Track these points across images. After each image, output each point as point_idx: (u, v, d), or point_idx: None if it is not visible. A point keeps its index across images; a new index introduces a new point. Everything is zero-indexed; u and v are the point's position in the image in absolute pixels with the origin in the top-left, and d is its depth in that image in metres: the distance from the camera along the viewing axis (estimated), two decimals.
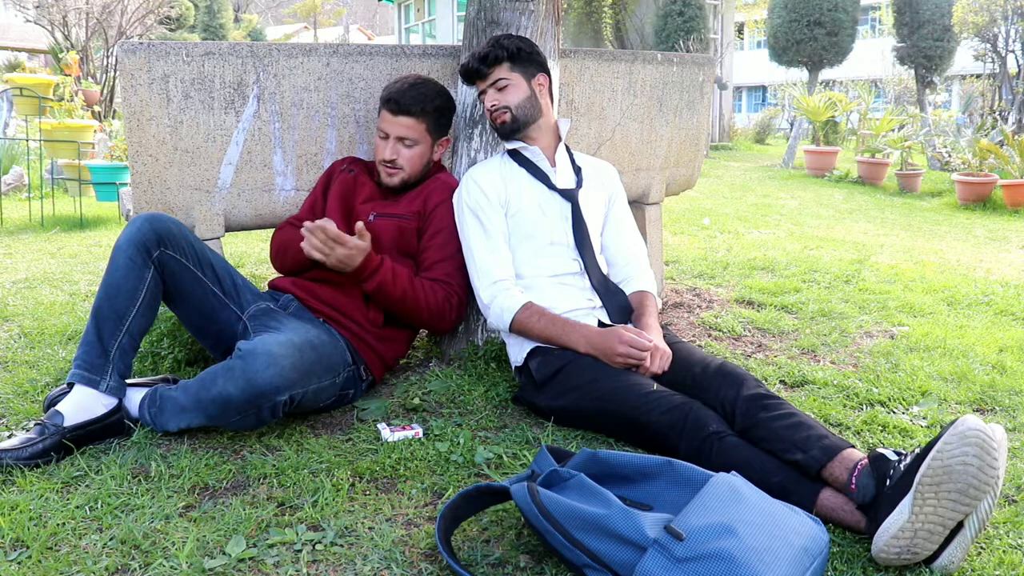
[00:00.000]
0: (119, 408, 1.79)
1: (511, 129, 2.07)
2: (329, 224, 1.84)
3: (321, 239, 1.84)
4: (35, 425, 1.71)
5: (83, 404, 1.74)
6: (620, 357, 1.85)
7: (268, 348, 1.68)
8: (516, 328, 1.98)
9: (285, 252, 2.17)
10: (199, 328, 2.02)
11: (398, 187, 2.15)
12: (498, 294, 2.00)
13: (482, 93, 2.10)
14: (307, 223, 1.86)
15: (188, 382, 1.78)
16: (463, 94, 2.31)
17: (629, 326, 1.95)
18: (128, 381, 1.84)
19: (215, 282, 1.96)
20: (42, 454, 1.65)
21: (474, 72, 2.08)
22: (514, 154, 2.15)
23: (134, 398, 1.84)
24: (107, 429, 1.77)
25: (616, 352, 1.85)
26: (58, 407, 1.73)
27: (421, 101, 2.09)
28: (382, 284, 1.96)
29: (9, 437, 1.80)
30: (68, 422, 1.70)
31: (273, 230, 2.31)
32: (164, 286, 1.88)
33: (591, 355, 1.89)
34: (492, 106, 2.06)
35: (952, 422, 1.36)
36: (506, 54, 2.05)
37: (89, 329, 1.80)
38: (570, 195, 2.11)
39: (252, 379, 1.65)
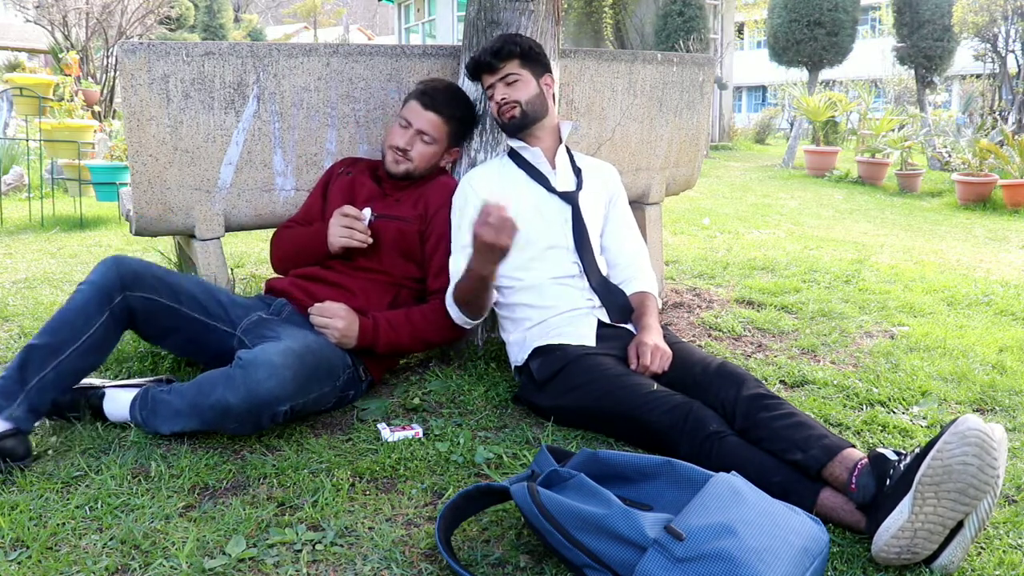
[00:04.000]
0: (13, 433, 1.63)
1: (520, 125, 2.07)
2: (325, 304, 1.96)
3: (318, 311, 1.95)
4: None
5: None
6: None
7: (269, 358, 1.67)
8: (455, 301, 2.01)
9: (295, 255, 2.17)
10: (193, 354, 2.02)
11: (399, 176, 2.15)
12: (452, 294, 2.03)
13: (489, 88, 2.10)
14: (313, 317, 1.95)
15: (183, 386, 1.77)
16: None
17: None
18: (119, 382, 1.84)
19: (198, 309, 1.92)
20: None
21: (485, 65, 2.08)
22: (514, 155, 2.15)
23: (123, 399, 1.82)
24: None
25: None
26: None
27: (452, 105, 2.14)
28: (389, 341, 2.00)
29: None
30: None
31: (273, 231, 2.31)
32: (139, 327, 1.86)
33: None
34: (502, 99, 2.06)
35: (952, 421, 1.36)
36: (518, 50, 2.06)
37: (18, 356, 1.70)
38: (570, 198, 2.11)
39: (253, 389, 1.63)
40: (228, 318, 1.96)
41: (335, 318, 1.92)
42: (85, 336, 1.73)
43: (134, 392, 1.84)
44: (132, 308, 1.81)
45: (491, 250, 1.79)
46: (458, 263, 2.03)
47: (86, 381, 1.87)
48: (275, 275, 2.22)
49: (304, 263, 2.14)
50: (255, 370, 1.65)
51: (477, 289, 1.93)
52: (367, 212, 2.08)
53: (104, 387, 1.87)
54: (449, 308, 2.03)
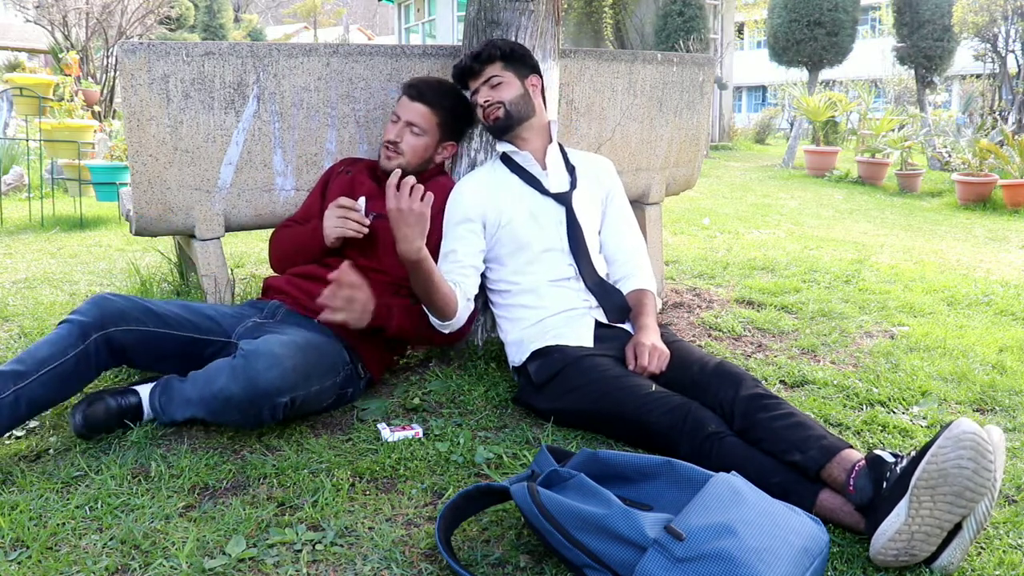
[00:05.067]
0: None
1: (504, 126, 2.07)
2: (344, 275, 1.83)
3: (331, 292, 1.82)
4: None
5: None
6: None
7: (271, 348, 1.68)
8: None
9: (294, 254, 2.16)
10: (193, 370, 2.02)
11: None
12: None
13: (474, 93, 2.10)
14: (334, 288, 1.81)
15: (196, 374, 1.79)
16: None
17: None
18: (146, 379, 1.87)
19: (189, 328, 1.90)
20: None
21: (467, 70, 2.09)
22: (505, 160, 2.15)
23: (146, 393, 1.84)
24: None
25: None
26: None
27: (439, 95, 2.14)
28: (400, 324, 2.00)
29: (9, 436, 1.80)
30: None
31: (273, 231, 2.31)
32: (133, 360, 1.85)
33: None
34: (485, 102, 2.06)
35: (947, 425, 1.36)
36: (499, 53, 2.07)
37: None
38: (564, 199, 2.10)
39: (253, 379, 1.65)
40: (221, 329, 1.95)
41: (359, 289, 1.85)
42: (52, 365, 1.69)
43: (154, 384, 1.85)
44: (121, 343, 1.79)
45: (404, 223, 1.75)
46: (446, 263, 2.04)
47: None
48: (274, 275, 2.22)
49: (303, 261, 2.14)
50: (256, 360, 1.66)
51: (418, 280, 1.87)
52: (362, 201, 2.08)
53: (136, 389, 1.86)
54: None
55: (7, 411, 1.64)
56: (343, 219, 2.03)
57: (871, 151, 8.93)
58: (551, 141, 2.16)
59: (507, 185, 2.11)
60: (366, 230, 2.04)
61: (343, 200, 2.05)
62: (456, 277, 2.02)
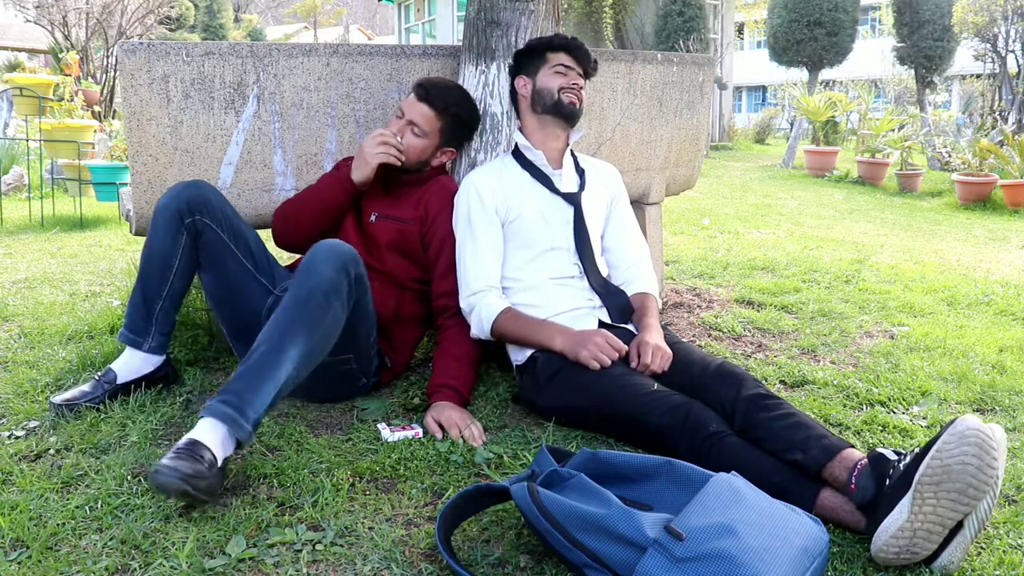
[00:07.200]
0: (166, 364, 2.04)
1: (576, 113, 2.10)
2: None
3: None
4: (91, 380, 1.97)
5: (132, 364, 1.98)
6: (591, 348, 1.84)
7: (327, 243, 1.72)
8: (496, 334, 1.99)
9: (309, 205, 2.12)
10: (224, 299, 2.02)
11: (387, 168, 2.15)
12: (476, 304, 2.00)
13: (563, 66, 2.09)
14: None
15: (261, 335, 1.58)
16: None
17: (605, 332, 1.91)
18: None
19: (248, 257, 2.01)
20: (98, 401, 1.91)
21: (581, 52, 2.11)
22: (516, 156, 2.15)
23: (210, 430, 1.49)
24: (158, 379, 2.03)
25: (591, 341, 1.85)
26: (112, 364, 1.98)
27: (446, 100, 2.12)
28: (471, 383, 2.02)
29: (9, 436, 1.80)
30: (121, 379, 1.96)
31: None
32: (196, 252, 1.95)
33: (563, 353, 1.89)
34: (576, 84, 2.09)
35: (951, 422, 1.36)
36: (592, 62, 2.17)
37: (135, 291, 1.96)
38: (573, 199, 2.11)
39: (335, 249, 1.68)
40: (271, 275, 2.03)
41: (465, 428, 1.83)
42: (176, 261, 1.92)
43: (210, 419, 1.52)
44: (197, 231, 1.94)
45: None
46: (482, 264, 2.03)
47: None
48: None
49: (312, 216, 2.10)
50: (323, 244, 1.70)
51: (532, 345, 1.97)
52: (397, 128, 2.09)
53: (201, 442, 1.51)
54: (478, 326, 2.00)
55: (170, 309, 1.97)
56: (385, 144, 2.03)
57: (871, 151, 8.93)
58: (568, 145, 2.18)
59: (518, 180, 2.12)
60: (404, 157, 2.07)
61: (381, 129, 2.08)
62: (492, 282, 2.03)
